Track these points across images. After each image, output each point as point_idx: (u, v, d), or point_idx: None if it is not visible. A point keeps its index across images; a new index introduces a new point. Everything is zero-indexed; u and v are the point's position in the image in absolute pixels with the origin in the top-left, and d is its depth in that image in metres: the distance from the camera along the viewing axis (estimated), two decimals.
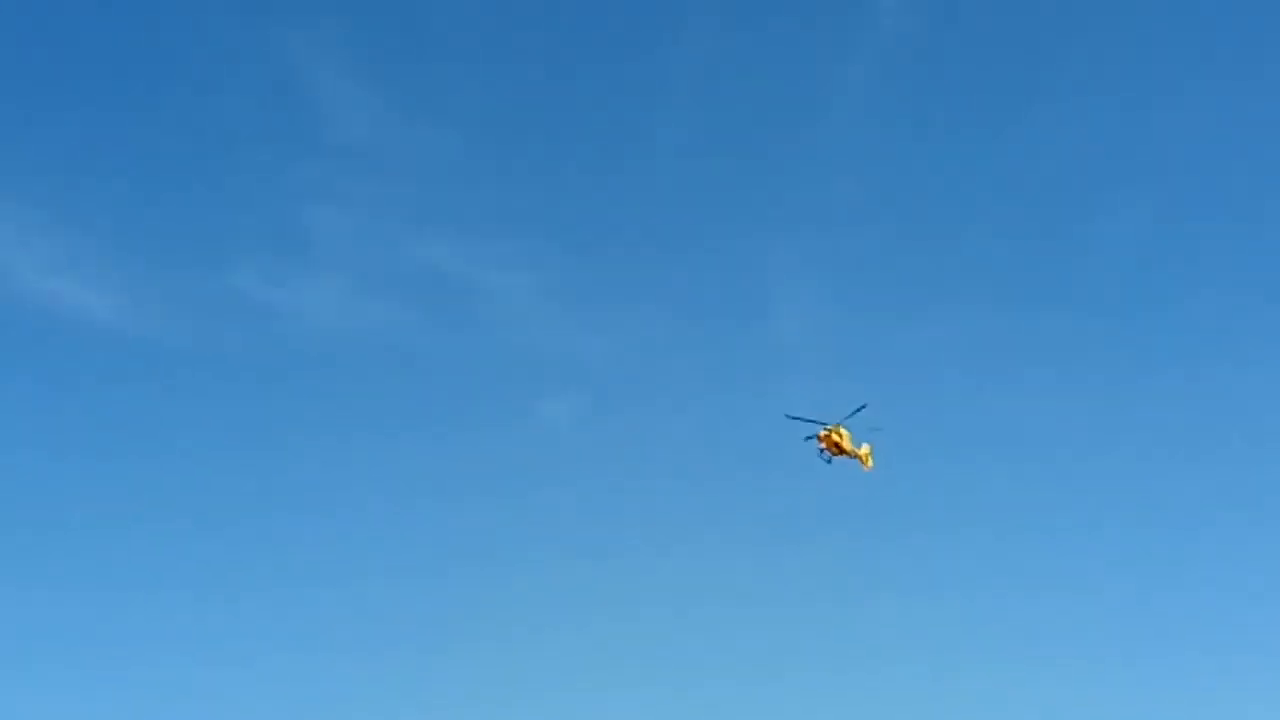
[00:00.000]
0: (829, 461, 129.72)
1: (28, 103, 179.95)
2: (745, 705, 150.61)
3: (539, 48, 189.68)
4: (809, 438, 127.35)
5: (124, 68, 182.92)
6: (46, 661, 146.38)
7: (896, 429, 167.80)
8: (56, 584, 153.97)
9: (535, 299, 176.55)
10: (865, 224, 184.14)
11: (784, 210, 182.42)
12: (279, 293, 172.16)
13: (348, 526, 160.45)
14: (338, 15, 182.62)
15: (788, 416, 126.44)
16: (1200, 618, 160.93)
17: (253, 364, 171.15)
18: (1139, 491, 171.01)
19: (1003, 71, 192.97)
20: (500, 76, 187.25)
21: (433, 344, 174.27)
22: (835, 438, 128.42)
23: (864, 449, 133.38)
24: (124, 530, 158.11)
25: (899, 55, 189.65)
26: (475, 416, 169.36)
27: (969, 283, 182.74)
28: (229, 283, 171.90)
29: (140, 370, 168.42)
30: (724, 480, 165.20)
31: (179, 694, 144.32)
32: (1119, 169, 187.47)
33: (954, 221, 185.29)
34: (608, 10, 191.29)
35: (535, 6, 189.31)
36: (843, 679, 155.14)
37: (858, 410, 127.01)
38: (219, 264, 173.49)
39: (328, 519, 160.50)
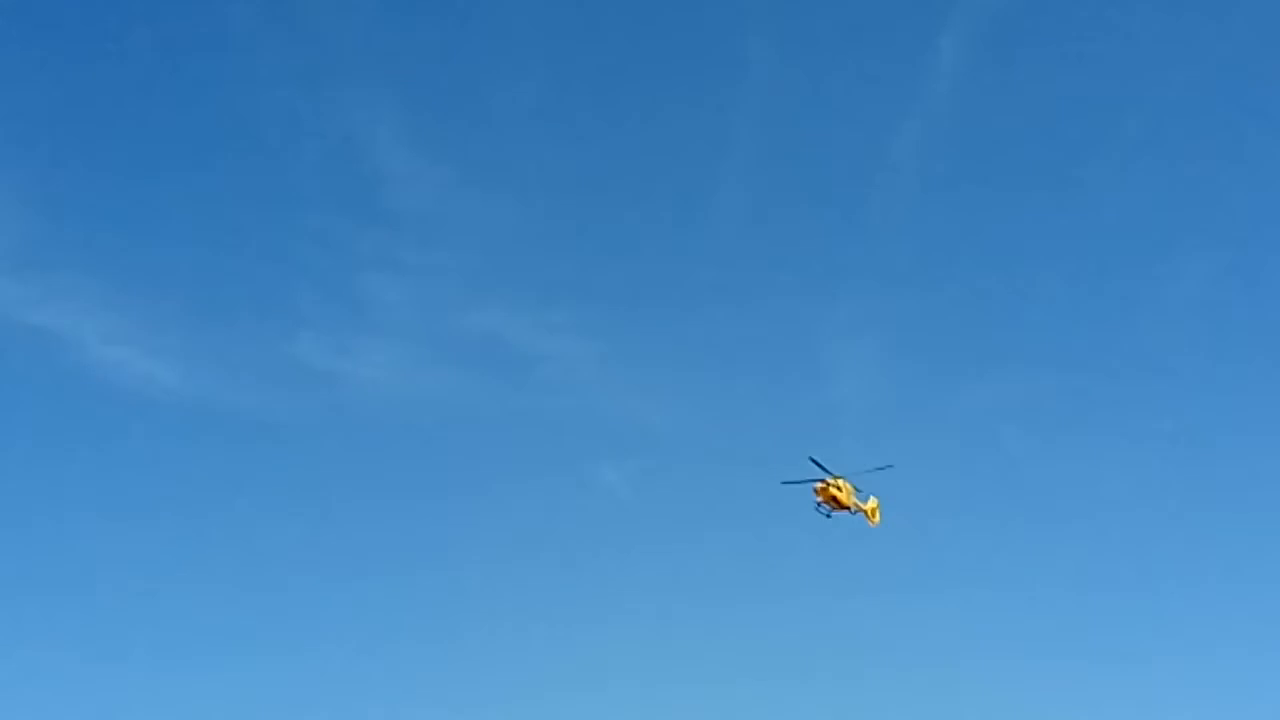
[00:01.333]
0: (829, 516, 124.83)
1: (91, 172, 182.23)
2: None
3: (595, 116, 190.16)
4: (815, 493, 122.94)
5: (188, 136, 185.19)
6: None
7: (955, 490, 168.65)
8: (123, 648, 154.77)
9: (592, 363, 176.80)
10: (923, 283, 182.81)
11: (841, 270, 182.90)
12: (340, 360, 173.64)
13: (409, 589, 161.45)
14: (397, 85, 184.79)
15: (810, 459, 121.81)
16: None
17: (314, 430, 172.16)
18: (1209, 553, 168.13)
19: (1062, 128, 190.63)
20: (557, 144, 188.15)
21: (491, 409, 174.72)
22: (833, 491, 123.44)
23: (870, 503, 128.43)
24: (190, 592, 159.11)
25: (957, 113, 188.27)
26: (534, 481, 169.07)
27: (1028, 343, 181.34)
28: (290, 349, 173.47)
29: (202, 437, 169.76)
30: (781, 542, 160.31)
31: None
32: (1182, 226, 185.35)
33: (1013, 281, 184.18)
34: (664, 77, 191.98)
35: (591, 75, 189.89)
36: None
37: (882, 469, 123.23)
38: (281, 331, 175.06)
39: (389, 581, 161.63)
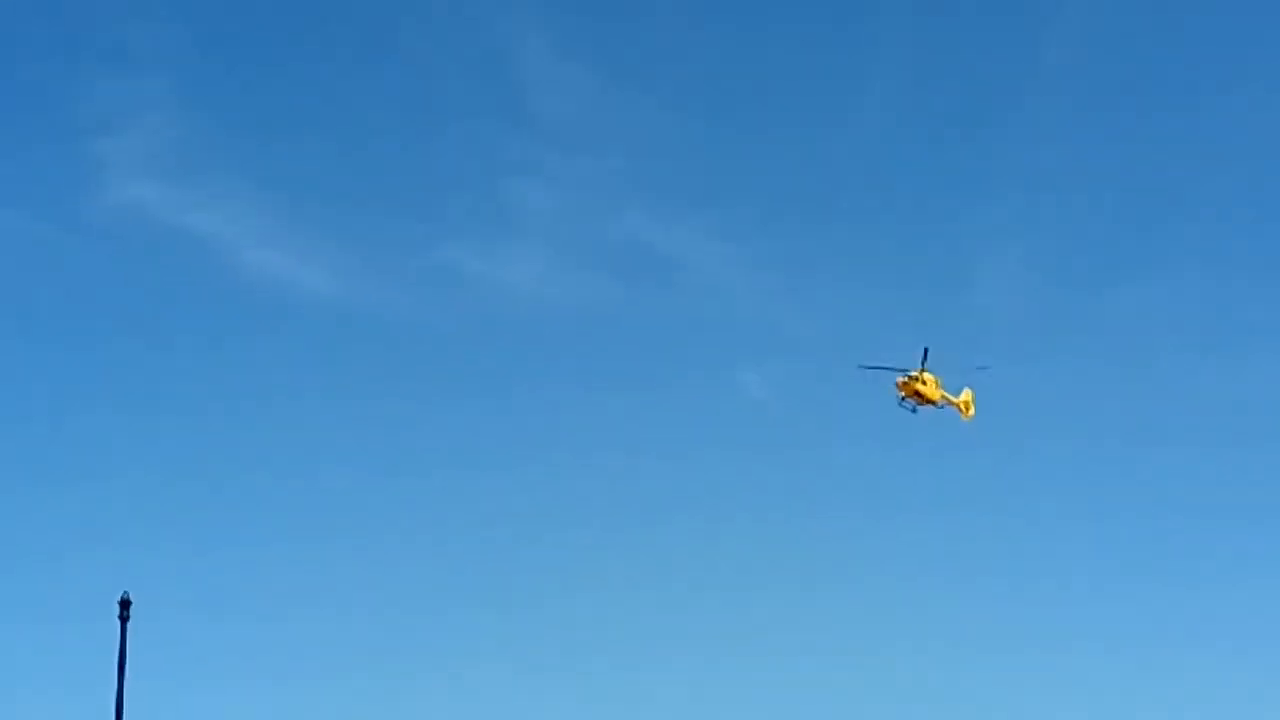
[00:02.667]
0: (914, 411, 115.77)
1: (242, 76, 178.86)
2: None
3: (742, 20, 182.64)
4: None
5: (336, 43, 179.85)
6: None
7: (1108, 402, 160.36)
8: (273, 530, 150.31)
9: (736, 268, 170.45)
10: (1072, 189, 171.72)
11: (986, 177, 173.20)
12: (485, 264, 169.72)
13: (552, 488, 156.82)
14: None
15: (861, 366, 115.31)
16: None
17: (458, 334, 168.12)
18: None
19: (1216, 38, 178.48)
20: (704, 48, 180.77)
21: (635, 314, 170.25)
22: (916, 385, 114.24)
23: (963, 396, 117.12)
24: (337, 481, 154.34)
25: (1110, 21, 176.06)
26: (676, 384, 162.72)
27: (1182, 248, 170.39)
28: (437, 254, 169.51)
29: (350, 340, 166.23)
30: (922, 452, 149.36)
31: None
32: None
33: (1165, 186, 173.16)
34: None
35: None
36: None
37: (926, 354, 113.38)
38: (427, 236, 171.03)
39: (532, 478, 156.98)
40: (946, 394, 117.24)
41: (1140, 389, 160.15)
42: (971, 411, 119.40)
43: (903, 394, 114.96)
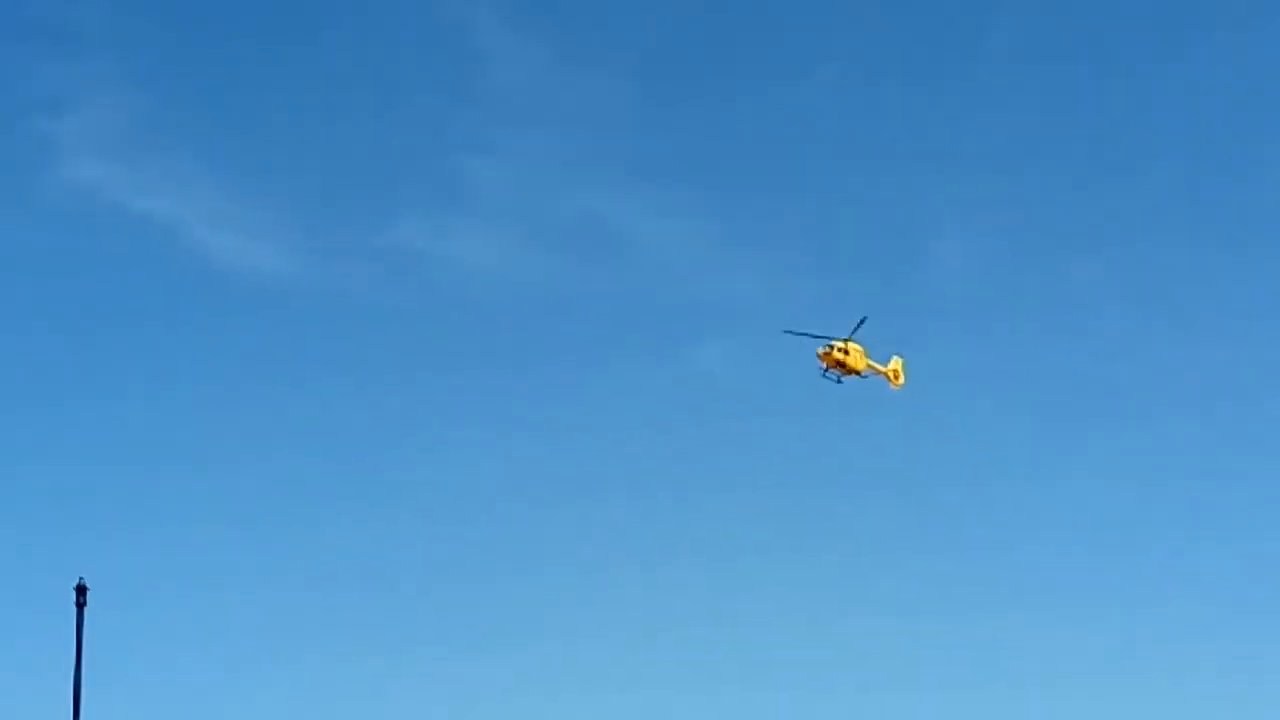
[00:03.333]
0: (839, 381, 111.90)
1: (193, 56, 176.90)
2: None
3: None
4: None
5: (289, 18, 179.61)
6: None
7: (1061, 374, 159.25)
8: (229, 517, 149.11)
9: (691, 244, 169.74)
10: (1026, 162, 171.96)
11: (943, 151, 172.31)
12: (439, 242, 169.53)
13: (503, 466, 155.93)
14: None
15: (786, 332, 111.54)
16: None
17: (413, 311, 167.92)
18: None
19: (1164, 8, 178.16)
20: (655, 23, 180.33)
21: (589, 290, 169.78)
22: (838, 355, 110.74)
23: (892, 364, 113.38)
24: (285, 465, 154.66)
25: None
26: (631, 360, 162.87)
27: (1138, 220, 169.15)
28: (390, 231, 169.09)
29: (303, 318, 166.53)
30: (880, 426, 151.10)
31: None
32: None
33: (1121, 158, 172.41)
34: None
35: None
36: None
37: (860, 324, 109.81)
38: (380, 213, 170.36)
39: (485, 457, 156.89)
40: (873, 363, 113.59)
41: (1092, 360, 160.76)
42: (901, 380, 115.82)
43: (825, 364, 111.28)
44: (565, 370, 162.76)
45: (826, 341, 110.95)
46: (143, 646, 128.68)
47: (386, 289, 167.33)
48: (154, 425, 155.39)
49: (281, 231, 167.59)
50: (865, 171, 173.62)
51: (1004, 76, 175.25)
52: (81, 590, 59.05)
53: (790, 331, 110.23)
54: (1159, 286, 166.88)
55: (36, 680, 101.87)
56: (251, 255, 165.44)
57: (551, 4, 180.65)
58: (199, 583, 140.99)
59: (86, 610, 59.12)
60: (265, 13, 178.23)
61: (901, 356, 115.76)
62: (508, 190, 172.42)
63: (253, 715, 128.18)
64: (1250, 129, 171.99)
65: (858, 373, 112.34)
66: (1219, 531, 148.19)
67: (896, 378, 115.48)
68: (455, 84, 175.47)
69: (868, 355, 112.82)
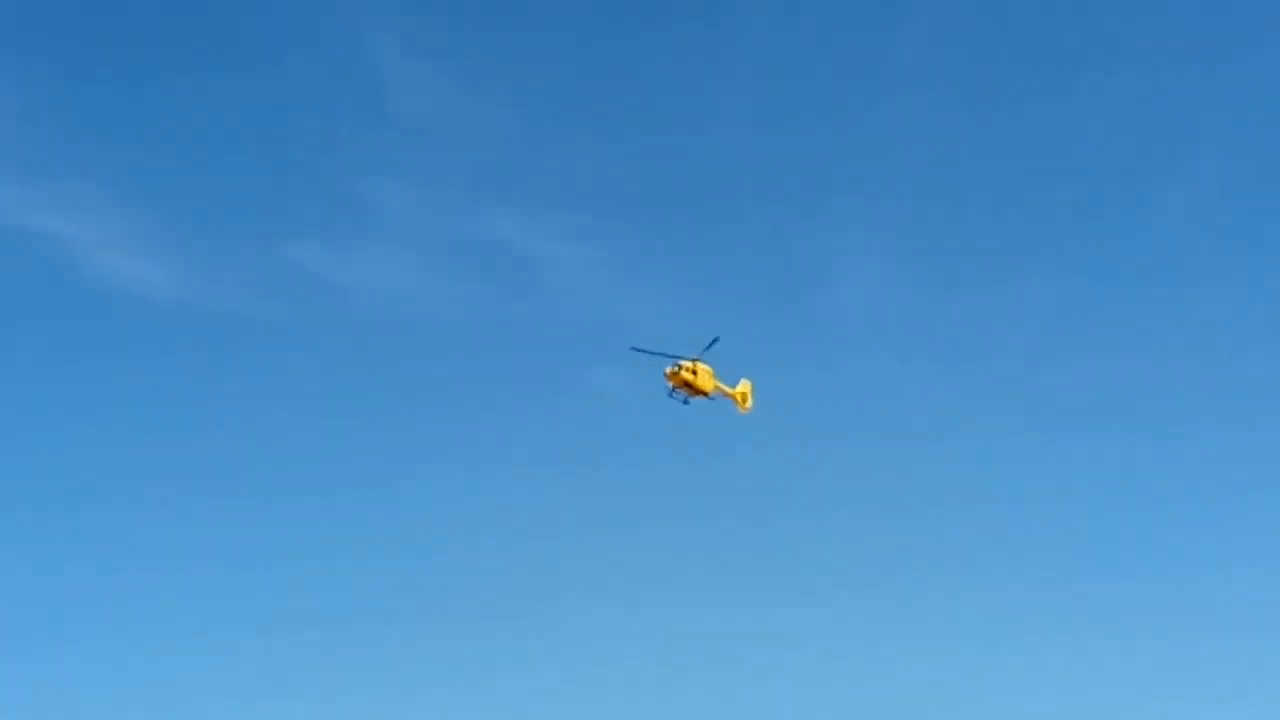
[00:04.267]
0: (685, 402, 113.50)
1: (91, 77, 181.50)
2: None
3: (601, 20, 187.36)
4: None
5: (189, 42, 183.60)
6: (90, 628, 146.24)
7: (958, 398, 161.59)
8: (115, 554, 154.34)
9: (595, 269, 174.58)
10: (928, 193, 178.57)
11: (846, 180, 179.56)
12: (341, 267, 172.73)
13: (408, 497, 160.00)
14: None
15: (633, 349, 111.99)
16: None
17: (313, 336, 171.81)
18: (1203, 461, 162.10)
19: (1065, 38, 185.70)
20: (560, 47, 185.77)
21: (493, 315, 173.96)
22: (686, 375, 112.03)
23: (740, 386, 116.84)
24: (180, 500, 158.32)
25: (962, 24, 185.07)
26: (534, 386, 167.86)
27: (1032, 250, 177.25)
28: (289, 255, 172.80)
29: (201, 343, 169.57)
30: (786, 448, 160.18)
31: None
32: (1183, 136, 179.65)
33: (1016, 189, 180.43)
34: None
35: None
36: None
37: (712, 344, 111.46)
38: (280, 237, 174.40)
39: (387, 489, 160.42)
40: (721, 385, 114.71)
41: (987, 384, 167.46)
42: (750, 404, 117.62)
43: (672, 384, 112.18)
44: (466, 394, 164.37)
45: (675, 360, 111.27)
46: None
47: (283, 312, 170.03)
48: (44, 444, 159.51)
49: (175, 253, 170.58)
50: (768, 199, 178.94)
51: (905, 108, 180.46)
52: None
53: (637, 349, 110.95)
54: (1053, 315, 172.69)
55: None
56: (143, 277, 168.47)
57: (455, 30, 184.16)
58: (75, 610, 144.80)
59: None
60: (163, 37, 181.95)
61: (751, 380, 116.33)
62: (408, 214, 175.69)
63: None
64: (1140, 164, 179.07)
65: (705, 394, 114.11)
66: (1116, 554, 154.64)
67: (745, 401, 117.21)
68: (356, 107, 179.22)
69: (716, 376, 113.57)
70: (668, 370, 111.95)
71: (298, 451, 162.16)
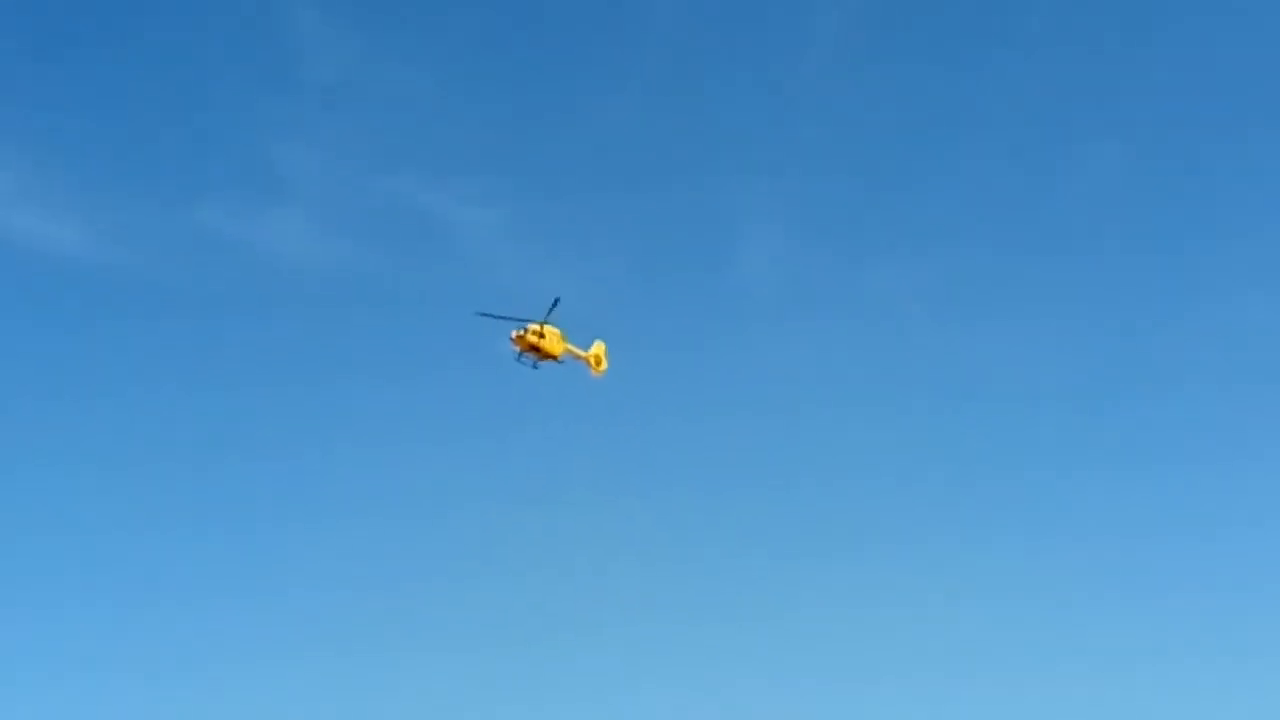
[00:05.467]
0: (535, 367, 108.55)
1: None
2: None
3: None
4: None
5: (97, 1, 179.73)
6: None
7: (865, 374, 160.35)
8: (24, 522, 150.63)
9: (502, 236, 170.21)
10: (833, 167, 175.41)
11: (751, 153, 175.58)
12: (247, 228, 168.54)
13: (313, 465, 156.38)
14: None
15: (479, 314, 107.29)
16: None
17: (219, 299, 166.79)
18: (1110, 440, 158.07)
19: (970, 11, 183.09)
20: (472, 15, 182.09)
21: (399, 280, 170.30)
22: (532, 339, 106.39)
23: (593, 349, 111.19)
24: (80, 469, 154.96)
25: None
26: (440, 352, 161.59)
27: (937, 225, 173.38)
28: (197, 217, 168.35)
29: (104, 304, 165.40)
30: (686, 426, 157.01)
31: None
32: (1090, 108, 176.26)
33: (922, 163, 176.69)
34: None
35: None
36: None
37: (554, 305, 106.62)
38: (187, 198, 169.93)
39: (294, 457, 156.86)
40: (572, 347, 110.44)
41: (891, 357, 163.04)
42: (603, 366, 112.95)
43: (519, 348, 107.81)
44: (371, 360, 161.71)
45: (522, 324, 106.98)
46: None
47: (190, 273, 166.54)
48: None
49: (83, 212, 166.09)
50: (675, 169, 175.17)
51: (815, 80, 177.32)
52: None
53: (483, 314, 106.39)
54: (958, 287, 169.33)
55: None
56: (52, 235, 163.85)
57: None
58: None
59: None
60: None
61: (604, 341, 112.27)
62: (318, 176, 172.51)
63: None
64: (1051, 136, 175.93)
65: (554, 357, 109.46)
66: (1009, 525, 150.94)
67: (598, 364, 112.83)
68: (267, 71, 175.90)
69: (566, 339, 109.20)
70: (514, 334, 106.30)
71: (200, 416, 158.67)
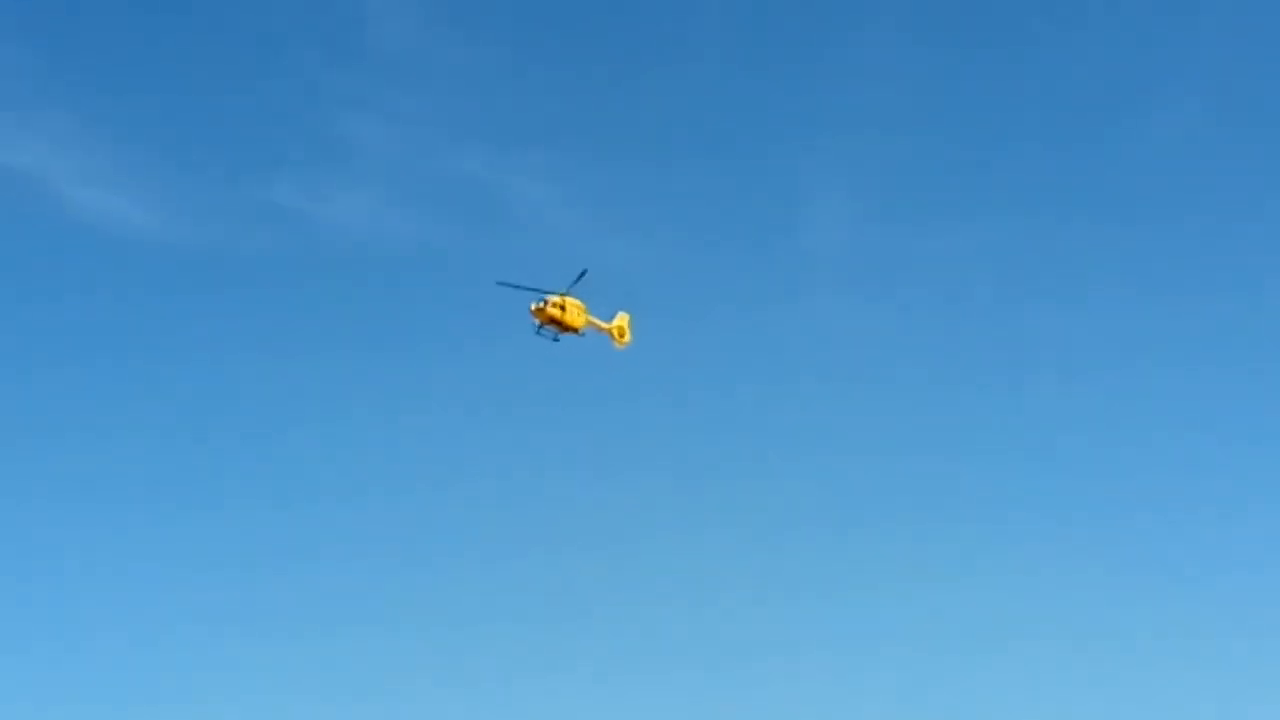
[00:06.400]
0: (555, 340, 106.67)
1: (65, 8, 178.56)
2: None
3: None
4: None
5: None
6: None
7: (928, 338, 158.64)
8: (92, 492, 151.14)
9: (567, 209, 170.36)
10: (896, 132, 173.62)
11: (814, 119, 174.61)
12: (316, 202, 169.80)
13: (382, 432, 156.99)
14: None
15: (499, 283, 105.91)
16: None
17: (289, 272, 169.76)
18: (1173, 408, 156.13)
19: None
20: None
21: (466, 252, 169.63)
22: (553, 311, 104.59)
23: (616, 321, 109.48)
24: (163, 438, 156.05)
25: None
26: (505, 326, 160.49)
27: (1001, 191, 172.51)
28: (267, 192, 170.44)
29: (176, 279, 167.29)
30: (751, 391, 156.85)
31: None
32: (1156, 74, 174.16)
33: (986, 129, 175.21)
34: None
35: None
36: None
37: (580, 277, 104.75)
38: (257, 173, 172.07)
39: (363, 424, 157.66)
40: (595, 320, 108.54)
41: (959, 325, 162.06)
42: (627, 338, 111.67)
43: (539, 321, 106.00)
44: (438, 334, 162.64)
45: (541, 295, 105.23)
46: None
47: (259, 246, 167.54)
48: (17, 389, 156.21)
49: (152, 188, 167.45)
50: (740, 140, 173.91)
51: (880, 45, 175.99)
52: None
53: (503, 283, 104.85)
54: (1026, 254, 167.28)
55: None
56: (121, 211, 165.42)
57: None
58: (44, 553, 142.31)
59: None
60: None
61: (628, 313, 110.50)
62: (385, 150, 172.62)
63: None
64: (1118, 97, 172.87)
65: (576, 330, 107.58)
66: (1080, 501, 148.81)
67: (621, 336, 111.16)
68: (335, 44, 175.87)
69: (588, 311, 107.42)
70: (533, 306, 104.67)
71: (275, 388, 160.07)
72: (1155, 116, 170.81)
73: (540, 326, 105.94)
